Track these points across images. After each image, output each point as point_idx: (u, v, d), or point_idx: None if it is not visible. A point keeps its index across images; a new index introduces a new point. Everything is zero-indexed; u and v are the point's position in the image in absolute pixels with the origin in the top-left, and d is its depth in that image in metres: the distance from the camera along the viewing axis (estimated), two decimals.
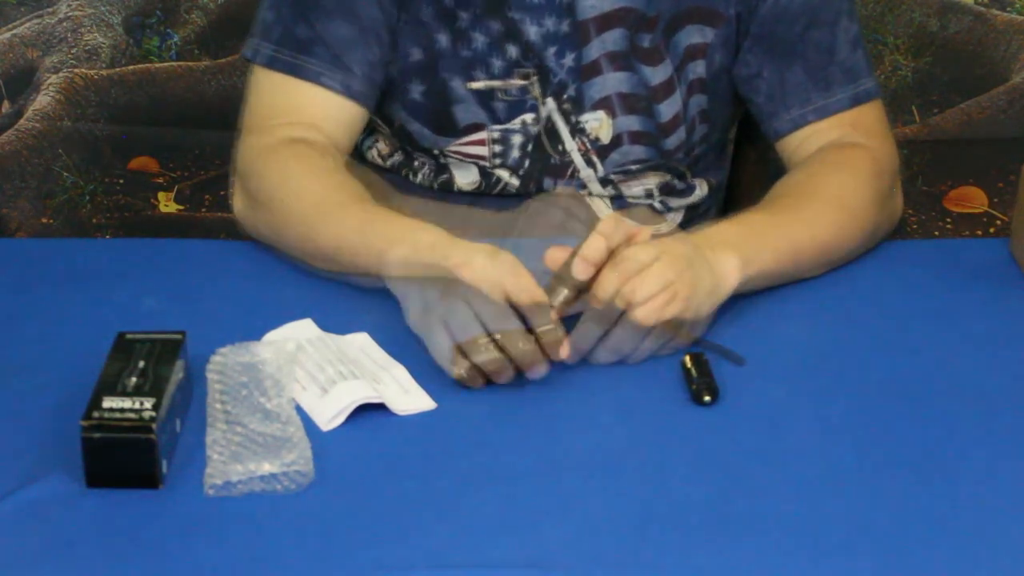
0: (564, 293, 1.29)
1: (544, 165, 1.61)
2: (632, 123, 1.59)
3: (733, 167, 1.87)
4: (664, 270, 1.30)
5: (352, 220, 1.41)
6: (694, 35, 1.58)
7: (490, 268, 1.29)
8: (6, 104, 2.30)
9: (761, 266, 1.40)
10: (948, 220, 2.36)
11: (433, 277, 1.31)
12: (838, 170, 1.53)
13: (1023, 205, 1.51)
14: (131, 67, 2.29)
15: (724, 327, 1.38)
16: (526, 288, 1.28)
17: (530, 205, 1.53)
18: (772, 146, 1.64)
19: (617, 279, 1.29)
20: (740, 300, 1.40)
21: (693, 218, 1.69)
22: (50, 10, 2.27)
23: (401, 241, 1.36)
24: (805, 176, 1.54)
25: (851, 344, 1.38)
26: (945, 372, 1.34)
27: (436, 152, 1.62)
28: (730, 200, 1.85)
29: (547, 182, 1.62)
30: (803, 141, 1.59)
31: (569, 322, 1.32)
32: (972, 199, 2.35)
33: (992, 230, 2.35)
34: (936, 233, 2.35)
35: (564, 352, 1.28)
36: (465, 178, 1.63)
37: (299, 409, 1.25)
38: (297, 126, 1.53)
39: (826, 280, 1.48)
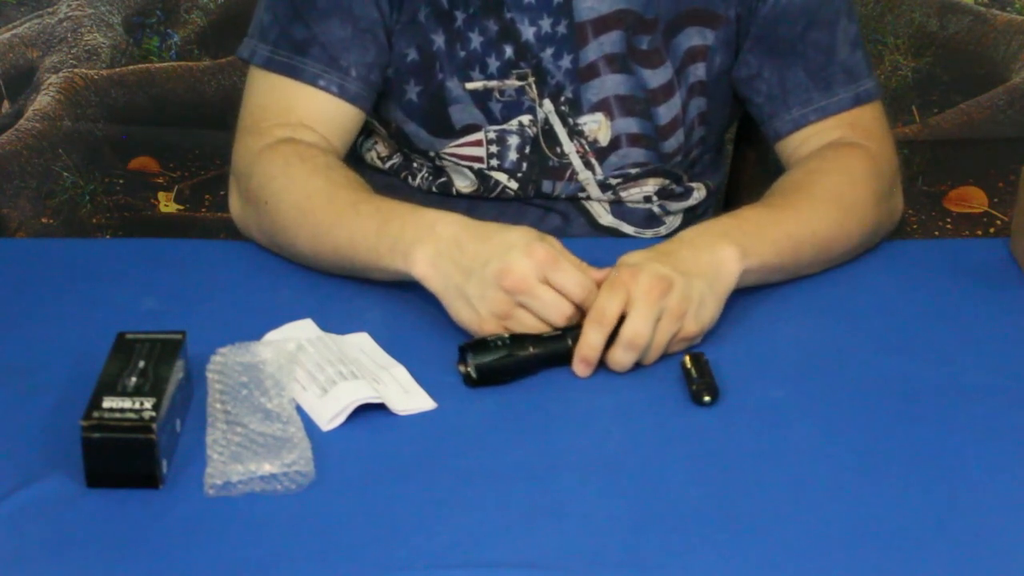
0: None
1: (542, 167, 1.61)
2: (630, 125, 1.59)
3: (732, 170, 1.87)
4: (647, 308, 1.30)
5: (367, 219, 1.40)
6: (694, 37, 1.58)
7: (531, 269, 1.29)
8: (6, 104, 2.30)
9: (761, 258, 1.40)
10: (948, 220, 2.36)
11: (466, 269, 1.31)
12: (836, 170, 1.53)
13: (1023, 205, 1.51)
14: (131, 67, 2.29)
15: (725, 327, 1.37)
16: (573, 281, 1.30)
17: None
18: (772, 148, 1.64)
19: (603, 333, 1.30)
20: (741, 300, 1.40)
21: (691, 220, 1.68)
22: (50, 10, 2.27)
23: (423, 239, 1.35)
24: (803, 174, 1.54)
25: (851, 344, 1.38)
26: (945, 372, 1.34)
27: (433, 154, 1.62)
28: (730, 203, 1.86)
29: (546, 185, 1.62)
30: (803, 141, 1.59)
31: None
32: (972, 199, 2.35)
33: (992, 230, 2.35)
34: (936, 233, 2.35)
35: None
36: (463, 181, 1.63)
37: (299, 409, 1.25)
38: (294, 127, 1.53)
39: (826, 280, 1.48)
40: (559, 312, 1.31)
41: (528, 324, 1.31)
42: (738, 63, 1.61)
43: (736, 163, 1.88)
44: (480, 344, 1.29)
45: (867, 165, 1.55)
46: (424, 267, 1.34)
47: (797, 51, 1.58)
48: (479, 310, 1.31)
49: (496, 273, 1.30)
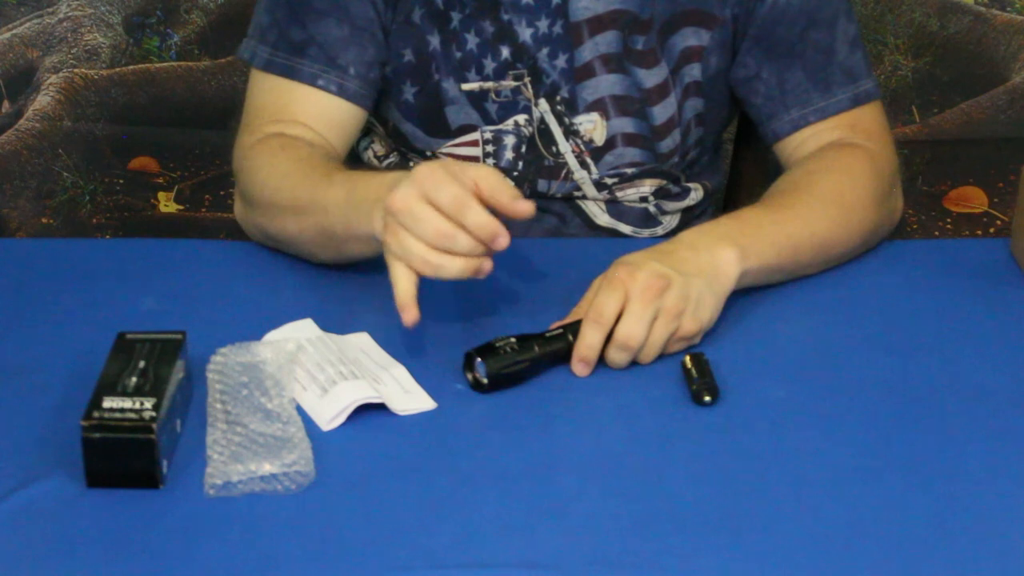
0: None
1: (538, 167, 1.61)
2: (626, 125, 1.59)
3: (732, 171, 1.87)
4: (642, 307, 1.30)
5: (339, 187, 1.38)
6: (689, 38, 1.58)
7: (411, 189, 1.25)
8: (6, 104, 2.30)
9: (760, 259, 1.40)
10: (948, 220, 2.36)
11: None
12: (836, 170, 1.53)
13: (1023, 205, 1.51)
14: (131, 67, 2.29)
15: (725, 327, 1.38)
16: (445, 194, 1.24)
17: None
18: (771, 149, 1.63)
19: (600, 333, 1.30)
20: (740, 300, 1.40)
21: (689, 221, 1.69)
22: (50, 10, 2.26)
23: (385, 196, 1.32)
24: (802, 175, 1.54)
25: (851, 344, 1.38)
26: (945, 372, 1.34)
27: (429, 154, 1.62)
28: (729, 204, 1.86)
29: (541, 184, 1.62)
30: (802, 142, 1.59)
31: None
32: (972, 199, 2.35)
33: (992, 230, 2.35)
34: (936, 233, 2.35)
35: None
36: None
37: (299, 409, 1.25)
38: (291, 124, 1.53)
39: (826, 280, 1.48)
40: (433, 228, 1.24)
41: (409, 247, 1.25)
42: (736, 64, 1.61)
43: (736, 163, 1.88)
44: (489, 349, 1.29)
45: (867, 165, 1.55)
46: (381, 223, 1.31)
47: (796, 52, 1.58)
48: (382, 240, 1.28)
49: (388, 200, 1.26)
